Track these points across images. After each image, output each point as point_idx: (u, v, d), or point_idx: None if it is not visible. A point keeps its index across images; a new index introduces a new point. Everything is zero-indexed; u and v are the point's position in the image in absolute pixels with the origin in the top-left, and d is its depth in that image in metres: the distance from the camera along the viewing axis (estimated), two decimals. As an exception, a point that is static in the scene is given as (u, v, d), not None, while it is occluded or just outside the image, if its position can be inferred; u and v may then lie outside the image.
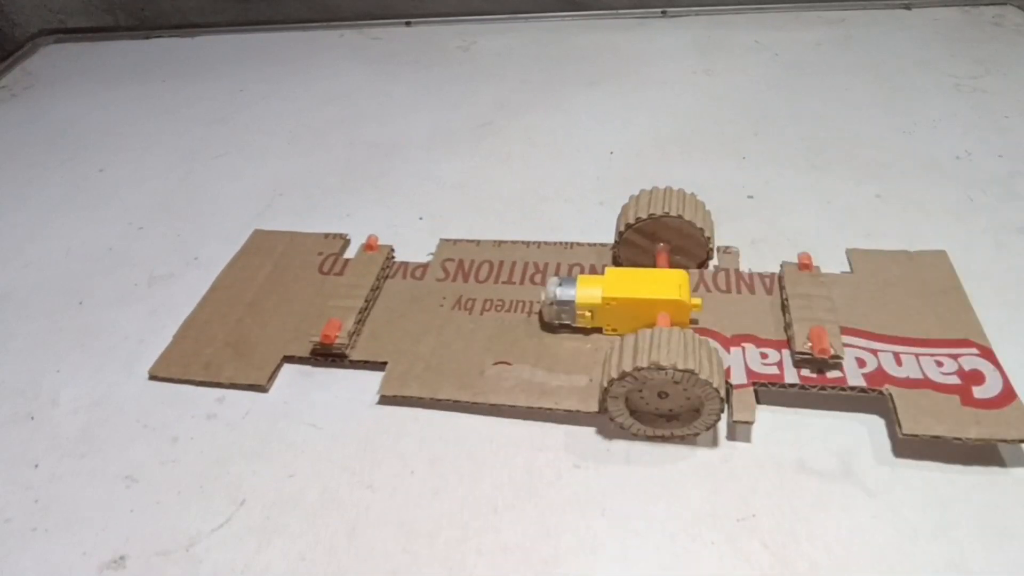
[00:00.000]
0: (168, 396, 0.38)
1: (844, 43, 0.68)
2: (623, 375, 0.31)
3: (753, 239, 0.44)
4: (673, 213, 0.38)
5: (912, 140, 0.54)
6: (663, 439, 0.34)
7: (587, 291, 0.36)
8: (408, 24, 0.78)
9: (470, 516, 0.32)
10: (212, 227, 0.49)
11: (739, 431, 0.34)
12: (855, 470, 0.32)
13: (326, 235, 0.46)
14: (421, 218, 0.49)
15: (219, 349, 0.39)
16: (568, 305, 0.37)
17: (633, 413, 0.33)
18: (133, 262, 0.47)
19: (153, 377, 0.39)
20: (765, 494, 0.32)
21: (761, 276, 0.40)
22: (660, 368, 0.30)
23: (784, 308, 0.37)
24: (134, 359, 0.40)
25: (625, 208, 0.40)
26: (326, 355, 0.38)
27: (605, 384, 0.32)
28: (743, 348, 0.36)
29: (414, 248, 0.45)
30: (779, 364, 0.35)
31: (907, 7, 0.74)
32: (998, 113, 0.57)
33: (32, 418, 0.38)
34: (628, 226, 0.39)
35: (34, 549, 0.32)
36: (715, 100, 0.61)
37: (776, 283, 0.39)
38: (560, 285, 0.37)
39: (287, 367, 0.39)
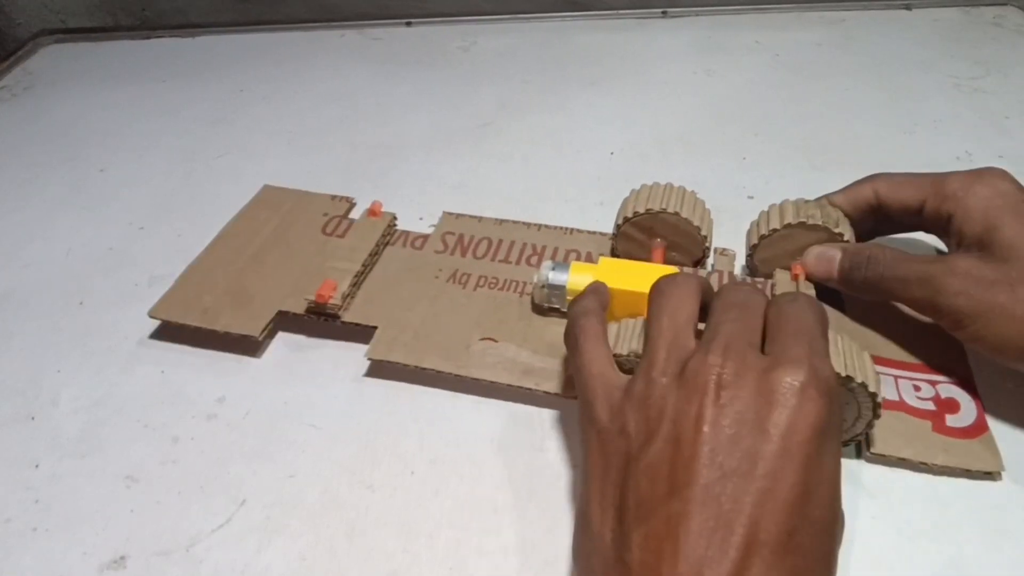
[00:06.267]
0: (168, 396, 0.38)
1: (844, 43, 0.68)
2: None
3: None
4: (671, 210, 0.38)
5: (912, 140, 0.54)
6: None
7: (579, 278, 0.37)
8: (408, 24, 0.78)
9: (470, 516, 0.32)
10: (213, 227, 0.49)
11: None
12: (854, 471, 0.32)
13: (333, 197, 0.47)
14: (421, 218, 0.49)
15: (218, 297, 0.40)
16: (559, 290, 0.37)
17: None
18: (134, 262, 0.47)
19: (153, 316, 0.40)
20: (765, 494, 0.32)
21: (755, 281, 0.39)
22: (639, 357, 0.30)
23: None
24: (134, 359, 0.40)
25: (625, 201, 0.40)
26: (319, 314, 0.39)
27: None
28: None
29: (414, 248, 0.45)
30: None
31: (907, 7, 0.74)
32: (998, 114, 0.57)
33: (32, 418, 0.38)
34: (626, 220, 0.39)
35: (34, 549, 0.32)
36: (715, 100, 0.61)
37: (770, 290, 0.39)
38: (553, 269, 0.37)
39: (288, 358, 0.39)
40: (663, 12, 0.76)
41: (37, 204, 0.54)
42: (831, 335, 0.30)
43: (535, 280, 0.38)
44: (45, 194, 0.55)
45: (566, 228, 0.45)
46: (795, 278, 0.38)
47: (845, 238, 0.37)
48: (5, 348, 0.42)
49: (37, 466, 0.35)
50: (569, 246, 0.43)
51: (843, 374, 0.29)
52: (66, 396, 0.39)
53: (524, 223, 0.45)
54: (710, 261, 0.41)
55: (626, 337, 0.31)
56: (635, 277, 0.36)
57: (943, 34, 0.69)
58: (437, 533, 0.31)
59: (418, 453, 0.34)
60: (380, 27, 0.77)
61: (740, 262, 0.42)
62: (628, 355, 0.31)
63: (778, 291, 0.37)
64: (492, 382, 0.35)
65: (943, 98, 0.59)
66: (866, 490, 0.32)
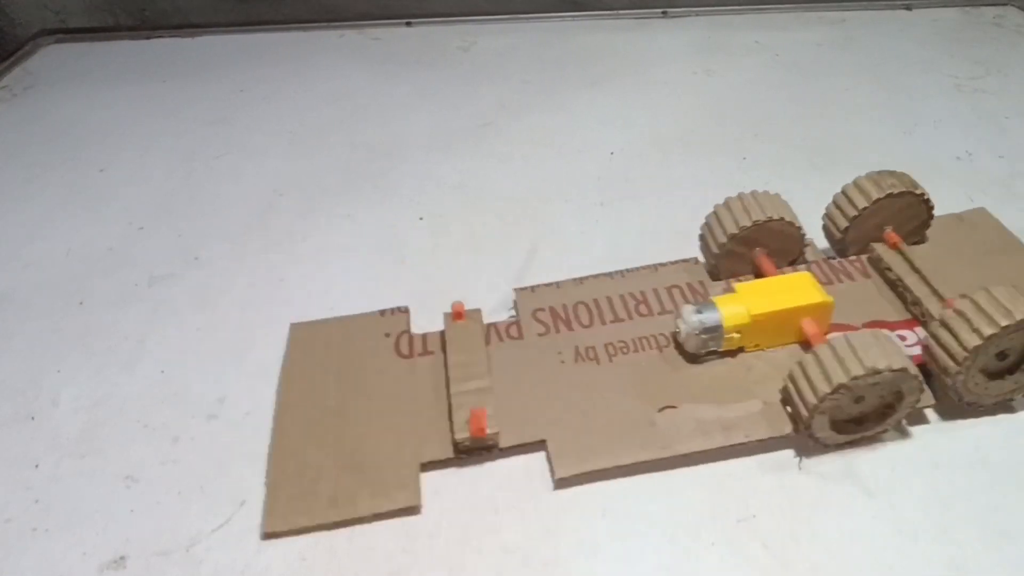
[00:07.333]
0: (168, 396, 0.38)
1: (844, 43, 0.68)
2: (837, 388, 0.30)
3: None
4: (776, 216, 0.38)
5: (912, 140, 0.54)
6: (851, 444, 0.33)
7: (729, 311, 0.35)
8: (408, 24, 0.78)
9: (470, 517, 0.32)
10: (213, 227, 0.49)
11: None
12: (855, 470, 0.32)
13: (382, 312, 0.40)
14: (421, 218, 0.49)
15: (336, 478, 0.33)
16: (716, 331, 0.35)
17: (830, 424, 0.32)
18: (133, 262, 0.47)
19: (272, 534, 0.31)
20: (765, 495, 0.32)
21: (850, 262, 0.40)
22: (877, 372, 0.30)
23: (896, 286, 0.38)
24: (134, 359, 0.40)
25: (716, 220, 0.39)
26: (474, 450, 0.33)
27: (814, 401, 0.31)
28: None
29: (416, 247, 0.45)
30: (919, 344, 0.35)
31: (907, 7, 0.74)
32: (998, 114, 0.57)
33: (32, 418, 0.38)
34: (732, 236, 0.38)
35: (34, 549, 0.32)
36: (715, 100, 0.61)
37: (867, 266, 0.40)
38: (700, 312, 0.35)
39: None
40: (663, 12, 0.76)
41: (37, 204, 0.54)
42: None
43: (682, 330, 0.35)
44: (45, 194, 0.55)
45: (651, 266, 0.42)
46: (895, 245, 0.39)
47: (925, 197, 0.39)
48: (5, 348, 0.42)
49: (37, 466, 0.35)
50: (666, 283, 0.40)
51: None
52: (66, 396, 0.39)
53: (605, 275, 0.41)
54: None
55: (850, 357, 0.30)
56: (778, 295, 0.35)
57: (943, 34, 0.69)
58: (437, 533, 0.31)
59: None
60: (380, 27, 0.77)
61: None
62: (865, 374, 0.30)
63: (891, 264, 0.39)
64: (702, 452, 0.32)
65: (943, 98, 0.59)
66: (866, 490, 0.32)
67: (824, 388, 0.30)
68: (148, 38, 0.79)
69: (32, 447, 0.36)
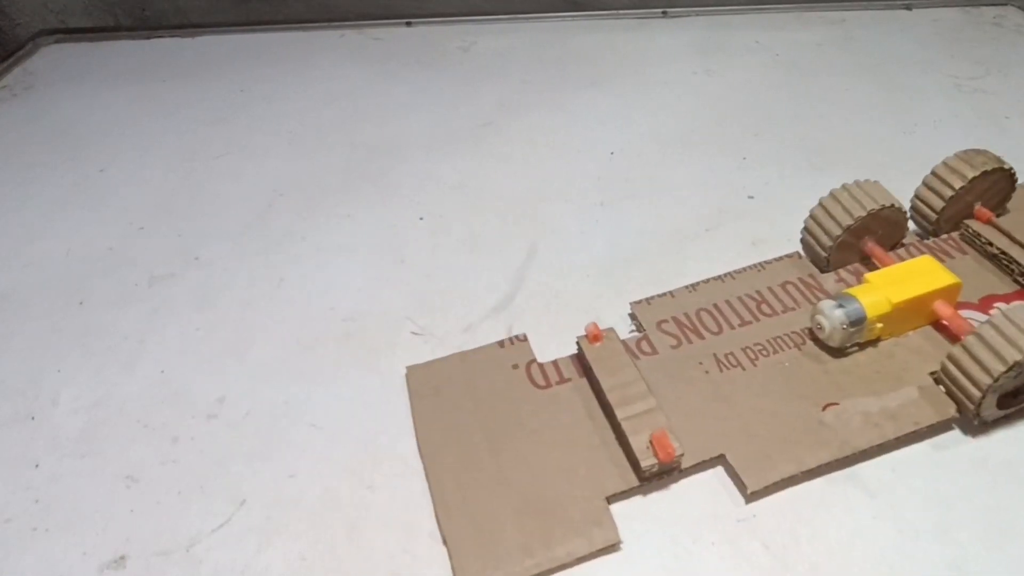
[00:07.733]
0: (168, 396, 0.38)
1: (844, 43, 0.68)
2: (1013, 365, 0.30)
3: (753, 239, 0.44)
4: (888, 204, 0.39)
5: (913, 140, 0.54)
6: (1006, 418, 0.34)
7: (872, 302, 0.35)
8: (408, 24, 0.78)
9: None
10: (213, 227, 0.49)
11: None
12: (856, 470, 0.32)
13: (500, 343, 0.38)
14: (421, 218, 0.49)
15: (518, 524, 0.31)
16: (861, 323, 0.35)
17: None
18: (133, 262, 0.47)
19: None
20: (765, 495, 0.32)
21: (944, 240, 0.41)
22: None
23: (998, 259, 0.39)
24: (134, 359, 0.40)
25: (824, 213, 0.40)
26: (659, 475, 0.32)
27: (989, 381, 0.31)
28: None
29: (416, 247, 0.45)
30: None
31: (907, 7, 0.74)
32: (999, 113, 0.57)
33: (32, 418, 0.38)
34: (846, 228, 0.39)
35: (34, 549, 0.32)
36: (715, 100, 0.61)
37: (960, 243, 0.41)
38: (841, 306, 0.35)
39: (288, 357, 0.39)
40: (663, 12, 0.76)
41: (37, 204, 0.54)
42: (990, 331, 0.31)
43: (825, 326, 0.35)
44: (45, 194, 0.55)
45: (753, 266, 0.42)
46: (988, 220, 0.40)
47: (1012, 171, 0.40)
48: (5, 348, 0.42)
49: (37, 466, 0.35)
50: (777, 281, 0.40)
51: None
52: (66, 396, 0.39)
53: (716, 278, 0.41)
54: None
55: (1016, 334, 0.30)
56: (910, 281, 0.35)
57: (943, 34, 0.69)
58: (437, 533, 0.31)
59: (418, 453, 0.34)
60: (380, 27, 0.77)
61: (745, 259, 0.42)
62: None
63: (992, 239, 0.39)
64: (878, 445, 0.32)
65: (943, 98, 0.59)
66: (866, 490, 0.32)
67: (999, 367, 0.31)
68: (148, 38, 0.79)
69: (32, 447, 0.36)
